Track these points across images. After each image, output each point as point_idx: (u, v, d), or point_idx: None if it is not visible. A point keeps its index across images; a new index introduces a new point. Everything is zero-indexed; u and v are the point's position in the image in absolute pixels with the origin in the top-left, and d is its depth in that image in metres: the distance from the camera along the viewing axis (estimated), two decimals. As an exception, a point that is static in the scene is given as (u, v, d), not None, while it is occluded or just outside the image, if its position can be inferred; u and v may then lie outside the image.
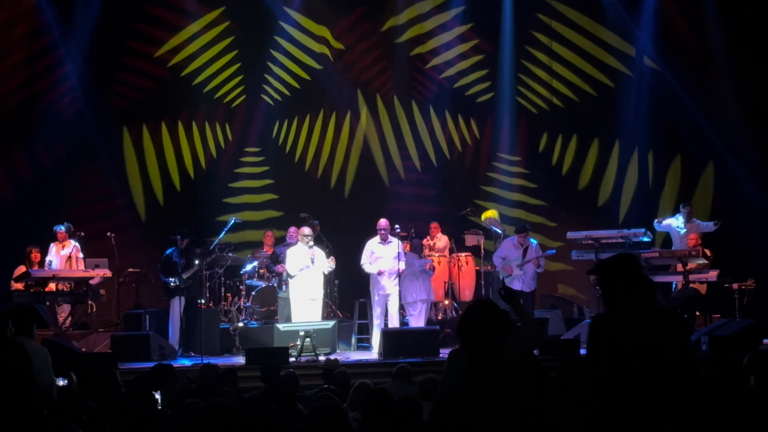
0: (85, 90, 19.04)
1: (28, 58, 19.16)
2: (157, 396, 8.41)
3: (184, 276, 15.33)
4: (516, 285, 16.16)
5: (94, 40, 18.85)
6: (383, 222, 15.36)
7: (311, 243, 15.06)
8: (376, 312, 15.42)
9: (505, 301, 6.45)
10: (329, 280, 16.10)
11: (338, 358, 12.86)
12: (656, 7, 19.01)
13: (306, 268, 15.00)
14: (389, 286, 15.24)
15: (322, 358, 13.28)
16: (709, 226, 16.27)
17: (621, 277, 5.86)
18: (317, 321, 14.82)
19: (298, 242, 15.33)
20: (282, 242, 16.81)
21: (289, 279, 15.27)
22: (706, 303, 15.61)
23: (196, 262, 15.48)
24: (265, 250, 17.33)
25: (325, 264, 15.15)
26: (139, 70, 19.57)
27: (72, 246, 16.37)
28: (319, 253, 15.16)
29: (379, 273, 15.20)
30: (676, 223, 16.54)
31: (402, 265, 15.28)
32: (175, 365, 13.16)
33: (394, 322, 15.26)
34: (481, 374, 5.65)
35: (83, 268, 16.01)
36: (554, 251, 16.43)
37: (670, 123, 18.94)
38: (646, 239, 15.97)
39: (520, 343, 6.08)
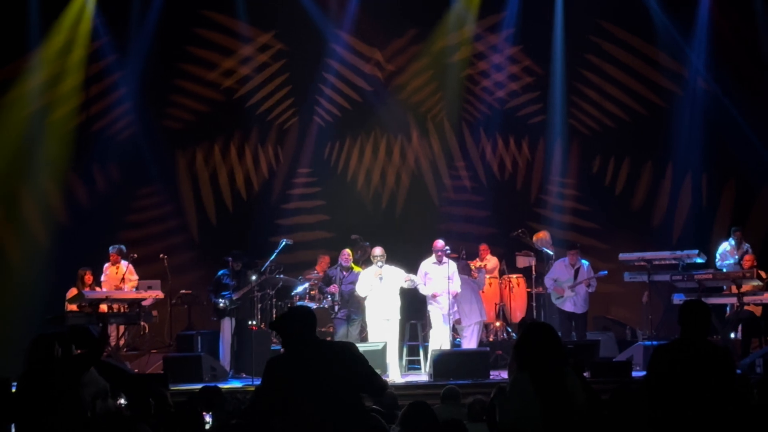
0: (140, 113, 19.25)
1: (84, 82, 19.36)
2: (208, 418, 8.44)
3: (234, 297, 15.40)
4: (568, 306, 16.12)
5: (149, 63, 19.05)
6: (440, 243, 15.17)
7: (380, 263, 14.87)
8: (438, 332, 15.23)
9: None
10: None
11: (387, 379, 12.83)
12: (709, 27, 18.88)
13: (371, 288, 14.86)
14: (446, 306, 15.11)
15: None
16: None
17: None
18: (369, 342, 14.77)
19: (373, 264, 15.13)
20: (335, 264, 16.73)
21: (362, 300, 15.11)
22: (760, 325, 15.40)
23: (252, 279, 15.53)
24: (317, 270, 17.33)
25: (399, 281, 14.81)
26: (192, 93, 19.79)
27: (124, 267, 16.57)
28: (391, 271, 14.82)
29: (434, 296, 15.07)
30: (728, 247, 16.46)
31: (457, 287, 15.16)
32: (225, 386, 13.30)
33: (446, 343, 15.09)
34: (551, 397, 5.62)
35: (133, 289, 16.20)
36: (606, 272, 16.31)
37: (724, 144, 18.75)
38: (699, 260, 15.79)
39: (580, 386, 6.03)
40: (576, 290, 16.09)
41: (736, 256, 16.32)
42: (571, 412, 5.64)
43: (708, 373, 6.35)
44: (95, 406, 7.87)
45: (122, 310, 15.71)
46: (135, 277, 16.73)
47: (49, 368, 7.70)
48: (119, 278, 16.45)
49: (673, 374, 6.40)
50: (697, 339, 6.47)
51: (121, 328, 16.44)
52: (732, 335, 15.68)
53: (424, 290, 15.11)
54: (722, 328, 15.49)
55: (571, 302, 16.11)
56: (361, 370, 6.18)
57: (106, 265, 16.78)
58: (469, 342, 15.67)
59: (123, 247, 16.86)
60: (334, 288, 15.71)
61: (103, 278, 16.63)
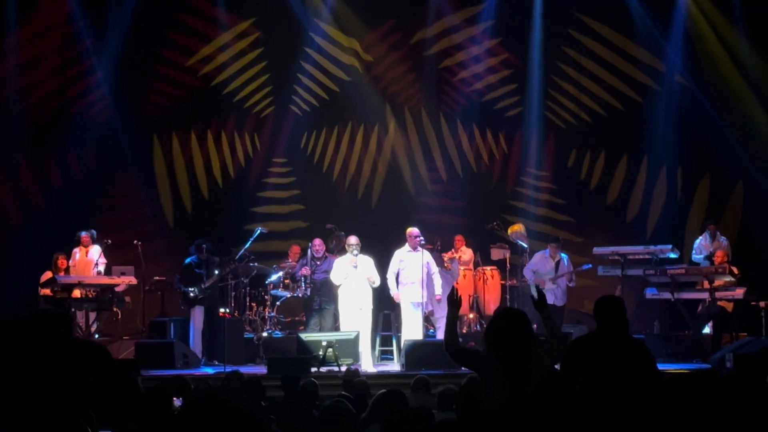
0: (116, 98, 19.18)
1: (61, 66, 19.29)
2: (178, 403, 8.42)
3: (204, 286, 15.38)
4: (548, 299, 16.08)
5: (126, 48, 19.00)
6: (415, 230, 15.16)
7: (356, 252, 14.86)
8: (409, 321, 15.24)
9: (536, 307, 6.48)
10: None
11: (359, 368, 12.88)
12: (687, 23, 18.96)
13: (346, 276, 14.83)
14: (418, 295, 15.10)
15: (343, 368, 13.28)
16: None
17: None
18: (342, 331, 14.78)
19: (348, 253, 15.10)
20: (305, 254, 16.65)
21: (335, 288, 15.11)
22: (732, 321, 15.50)
23: (216, 272, 15.53)
24: (290, 260, 17.32)
25: (371, 272, 14.85)
26: (170, 79, 19.71)
27: (96, 252, 16.50)
28: (365, 260, 14.89)
29: (396, 297, 15.17)
30: (703, 242, 16.57)
31: (438, 288, 15.20)
32: (197, 374, 13.34)
33: (418, 333, 15.12)
34: (514, 385, 5.66)
35: (102, 274, 16.15)
36: (590, 266, 16.34)
37: (700, 139, 18.85)
38: (673, 255, 15.91)
39: (545, 356, 6.08)
40: (558, 283, 16.16)
41: (711, 250, 16.41)
42: (533, 393, 5.70)
43: (626, 364, 6.62)
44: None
45: (94, 296, 15.67)
46: (104, 261, 16.64)
47: (14, 355, 7.63)
48: (89, 262, 16.37)
49: (590, 366, 6.67)
50: (614, 333, 6.77)
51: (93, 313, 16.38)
52: (704, 330, 15.78)
53: (392, 288, 15.14)
54: (694, 323, 15.58)
55: (551, 294, 16.11)
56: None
57: (75, 249, 16.68)
58: (443, 333, 15.66)
59: (94, 231, 16.81)
60: (306, 270, 15.70)
61: (71, 263, 16.47)
